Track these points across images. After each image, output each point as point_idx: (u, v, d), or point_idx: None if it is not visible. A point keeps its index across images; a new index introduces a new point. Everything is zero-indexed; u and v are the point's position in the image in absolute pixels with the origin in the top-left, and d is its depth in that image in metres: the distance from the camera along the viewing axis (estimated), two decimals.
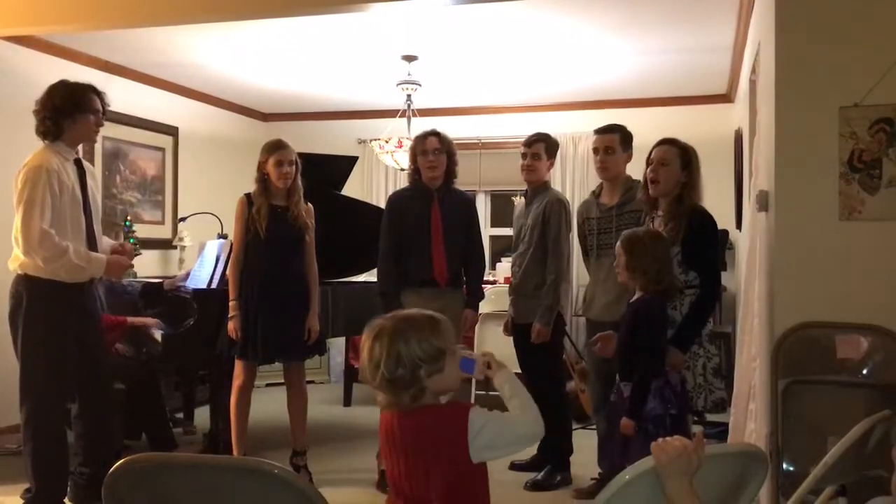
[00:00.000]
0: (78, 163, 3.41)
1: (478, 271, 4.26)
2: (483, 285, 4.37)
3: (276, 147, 3.92)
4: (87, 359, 3.41)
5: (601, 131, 3.89)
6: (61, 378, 3.34)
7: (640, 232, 3.11)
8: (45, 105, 3.31)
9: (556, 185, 6.18)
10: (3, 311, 3.40)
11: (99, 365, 3.50)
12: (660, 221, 3.32)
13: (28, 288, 3.27)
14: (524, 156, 4.11)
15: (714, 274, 3.28)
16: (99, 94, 3.40)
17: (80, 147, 3.51)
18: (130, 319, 4.33)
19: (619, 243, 3.07)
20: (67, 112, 3.30)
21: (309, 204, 4.02)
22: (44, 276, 3.25)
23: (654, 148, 3.39)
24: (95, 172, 3.68)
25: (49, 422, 3.34)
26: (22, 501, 3.45)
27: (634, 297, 3.04)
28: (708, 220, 3.29)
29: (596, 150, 3.87)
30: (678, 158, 3.30)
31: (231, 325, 3.87)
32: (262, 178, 3.92)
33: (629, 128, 3.96)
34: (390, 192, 5.06)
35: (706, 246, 3.23)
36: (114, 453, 3.48)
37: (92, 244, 3.42)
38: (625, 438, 2.92)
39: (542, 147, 4.09)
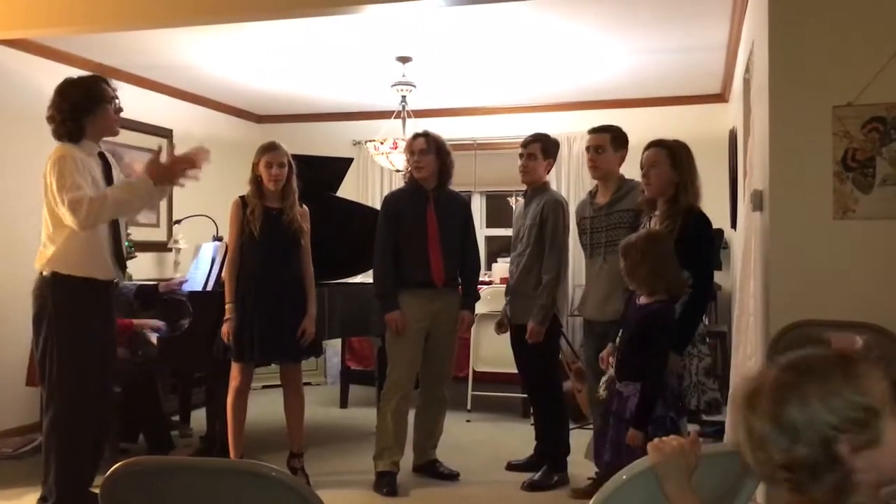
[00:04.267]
0: (102, 156, 3.35)
1: (473, 272, 4.27)
2: (479, 286, 4.37)
3: (267, 149, 3.92)
4: (101, 363, 3.35)
5: (592, 131, 3.94)
6: (90, 379, 3.26)
7: (633, 238, 3.10)
8: (60, 107, 3.22)
9: (552, 185, 6.18)
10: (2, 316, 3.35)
11: (108, 370, 3.43)
12: (656, 221, 3.34)
13: (53, 288, 3.20)
14: (521, 156, 4.13)
15: (706, 275, 3.28)
16: (107, 82, 3.34)
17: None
18: (136, 322, 4.32)
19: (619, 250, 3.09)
20: (87, 107, 3.23)
21: (304, 206, 4.02)
22: (76, 274, 3.18)
23: (644, 151, 3.43)
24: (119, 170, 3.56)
25: (75, 427, 3.25)
26: None
27: (643, 302, 3.03)
28: (702, 220, 3.29)
29: (588, 149, 3.92)
30: (667, 159, 3.33)
31: (225, 328, 3.86)
32: (256, 180, 3.92)
33: (624, 128, 3.98)
34: (386, 194, 5.08)
35: (699, 246, 3.22)
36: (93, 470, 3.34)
37: (116, 235, 3.37)
38: (620, 439, 2.92)
39: (537, 147, 4.10)
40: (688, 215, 3.24)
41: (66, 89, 3.26)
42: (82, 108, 3.22)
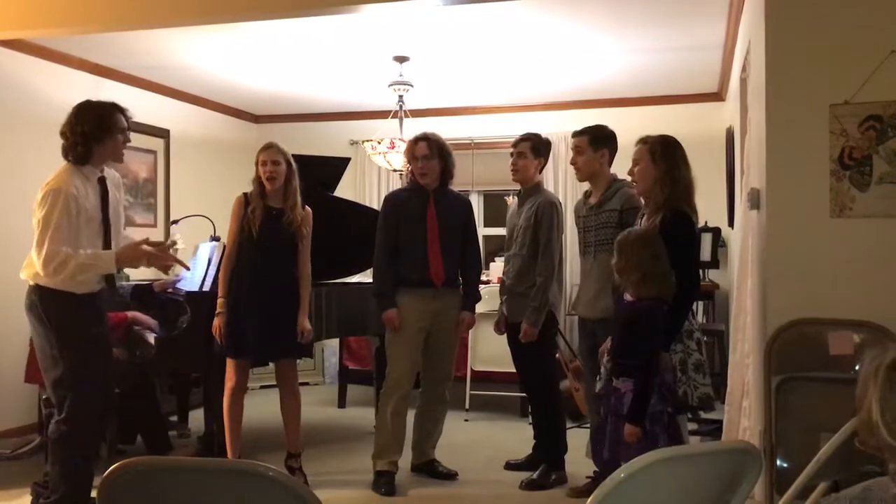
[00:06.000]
0: (101, 181, 3.38)
1: (474, 273, 4.26)
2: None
3: (264, 147, 3.96)
4: (104, 365, 3.36)
5: (573, 134, 3.96)
6: (98, 383, 3.29)
7: (629, 234, 3.09)
8: (73, 129, 3.27)
9: (548, 185, 6.19)
10: None
11: (109, 372, 3.42)
12: (646, 219, 3.33)
13: (41, 297, 3.24)
14: (511, 155, 4.15)
15: (687, 272, 3.15)
16: (123, 111, 3.39)
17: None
18: (131, 315, 4.31)
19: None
20: (98, 136, 3.28)
21: (307, 208, 4.01)
22: (56, 288, 3.21)
23: None
24: (120, 182, 3.57)
25: (85, 431, 3.27)
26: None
27: (629, 299, 3.03)
28: (681, 218, 3.17)
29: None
30: (648, 155, 3.28)
31: (216, 322, 3.86)
32: (258, 179, 3.93)
33: (621, 127, 3.98)
34: (383, 194, 5.08)
35: (677, 245, 3.10)
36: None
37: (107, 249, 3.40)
38: (618, 436, 2.92)
39: (526, 146, 4.10)
40: (668, 213, 3.15)
41: (83, 114, 3.30)
42: (93, 136, 3.28)
